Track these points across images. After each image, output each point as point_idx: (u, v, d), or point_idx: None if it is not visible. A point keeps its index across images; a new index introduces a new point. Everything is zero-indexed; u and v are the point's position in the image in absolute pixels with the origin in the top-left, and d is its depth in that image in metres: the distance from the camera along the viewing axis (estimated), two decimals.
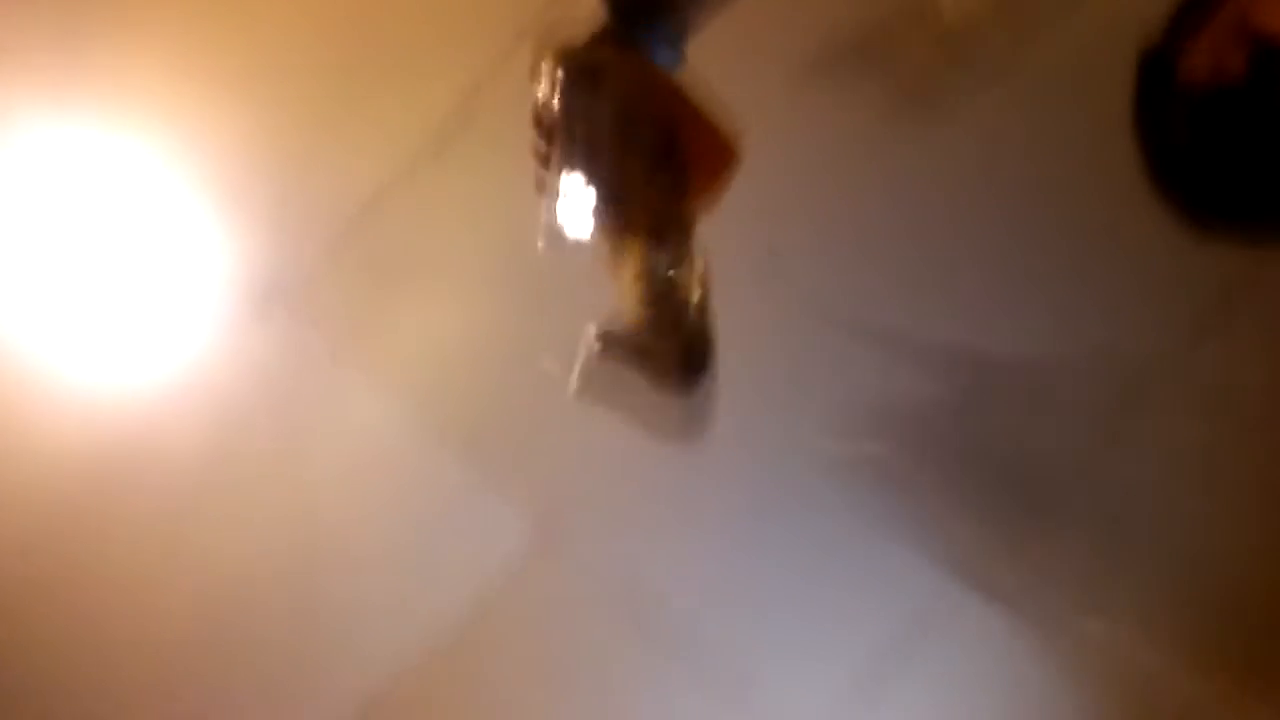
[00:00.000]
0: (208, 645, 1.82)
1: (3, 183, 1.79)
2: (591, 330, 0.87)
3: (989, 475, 1.77)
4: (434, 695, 1.80)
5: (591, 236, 0.78)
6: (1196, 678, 1.77)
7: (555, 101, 0.79)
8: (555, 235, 0.84)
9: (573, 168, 0.78)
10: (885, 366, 1.77)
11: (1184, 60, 0.75)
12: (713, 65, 1.77)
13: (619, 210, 0.77)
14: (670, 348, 0.79)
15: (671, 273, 0.77)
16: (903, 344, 1.77)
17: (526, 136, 1.77)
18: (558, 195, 0.80)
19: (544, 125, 0.78)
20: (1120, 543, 1.77)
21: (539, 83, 0.79)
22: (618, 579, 1.79)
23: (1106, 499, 1.76)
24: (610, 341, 0.93)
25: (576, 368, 0.89)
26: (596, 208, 0.78)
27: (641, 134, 0.77)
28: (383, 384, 1.80)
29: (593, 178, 0.77)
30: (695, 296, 0.77)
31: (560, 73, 0.79)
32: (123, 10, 1.77)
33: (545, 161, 0.79)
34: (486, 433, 1.80)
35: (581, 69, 0.79)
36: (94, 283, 1.81)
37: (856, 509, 1.78)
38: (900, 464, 1.77)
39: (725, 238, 1.76)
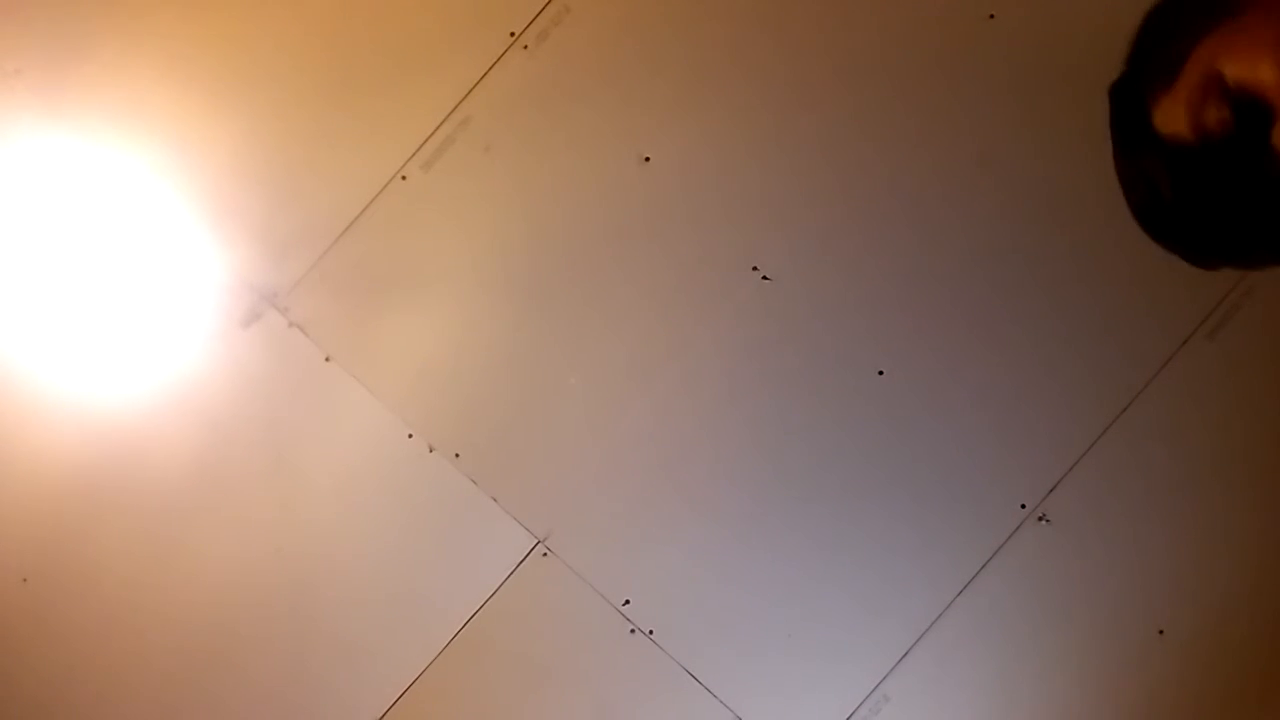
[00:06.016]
0: (205, 656, 1.81)
1: None
2: None
3: (985, 474, 1.77)
4: (432, 699, 1.80)
5: None
6: (1202, 675, 1.78)
7: None
8: None
9: None
10: (884, 366, 1.78)
11: (1159, 114, 0.73)
12: (711, 76, 1.78)
13: None
14: None
15: None
16: (900, 351, 1.78)
17: (516, 146, 1.78)
18: None
19: None
20: (1121, 541, 1.78)
21: None
22: (610, 587, 1.79)
23: (1106, 496, 1.77)
24: None
25: None
26: None
27: None
28: (375, 393, 1.80)
29: None
30: None
31: None
32: (114, 21, 1.77)
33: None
34: (479, 440, 1.80)
35: None
36: (85, 292, 1.80)
37: (846, 519, 1.78)
38: (897, 466, 1.78)
39: (718, 248, 1.78)
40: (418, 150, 1.78)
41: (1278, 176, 0.68)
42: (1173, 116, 0.71)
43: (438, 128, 1.78)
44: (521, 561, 1.79)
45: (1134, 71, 0.77)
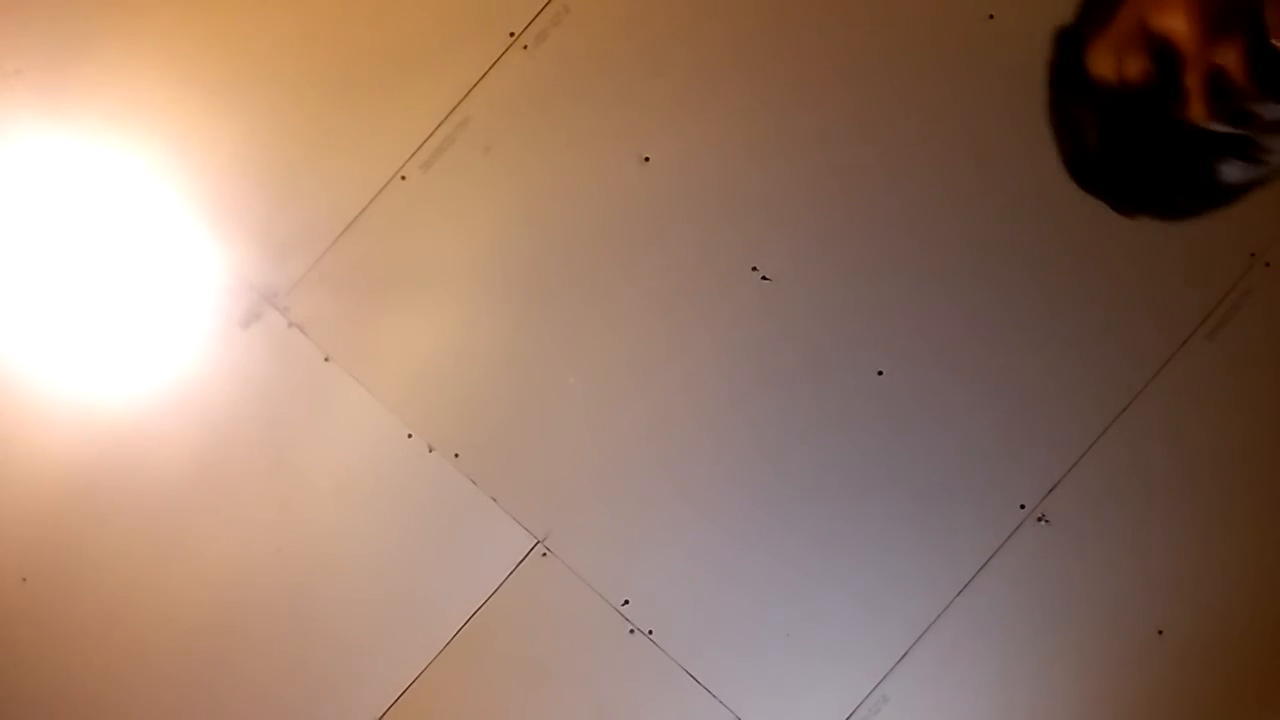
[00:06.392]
0: (205, 655, 1.81)
1: None
2: None
3: (985, 474, 1.77)
4: (432, 699, 1.80)
5: None
6: (1201, 675, 1.78)
7: None
8: None
9: None
10: (884, 367, 1.78)
11: (1092, 57, 0.74)
12: (710, 76, 1.78)
13: None
14: None
15: None
16: (896, 348, 1.78)
17: (516, 147, 1.78)
18: None
19: None
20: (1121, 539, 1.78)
21: None
22: (610, 587, 1.79)
23: (1105, 496, 1.77)
24: None
25: None
26: None
27: None
28: (375, 393, 1.80)
29: None
30: None
31: None
32: (114, 21, 1.77)
33: None
34: (479, 440, 1.80)
35: None
36: (85, 292, 1.80)
37: (846, 519, 1.79)
38: (896, 466, 1.78)
39: (718, 248, 1.78)
40: (417, 150, 1.78)
41: (1190, 125, 0.70)
42: (1103, 60, 0.73)
43: (437, 128, 1.78)
44: (521, 561, 1.79)
45: (1080, 19, 0.78)
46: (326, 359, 1.80)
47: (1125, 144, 0.75)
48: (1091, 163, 0.79)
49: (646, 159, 1.78)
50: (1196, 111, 0.70)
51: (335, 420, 1.80)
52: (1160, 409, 1.76)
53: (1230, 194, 0.76)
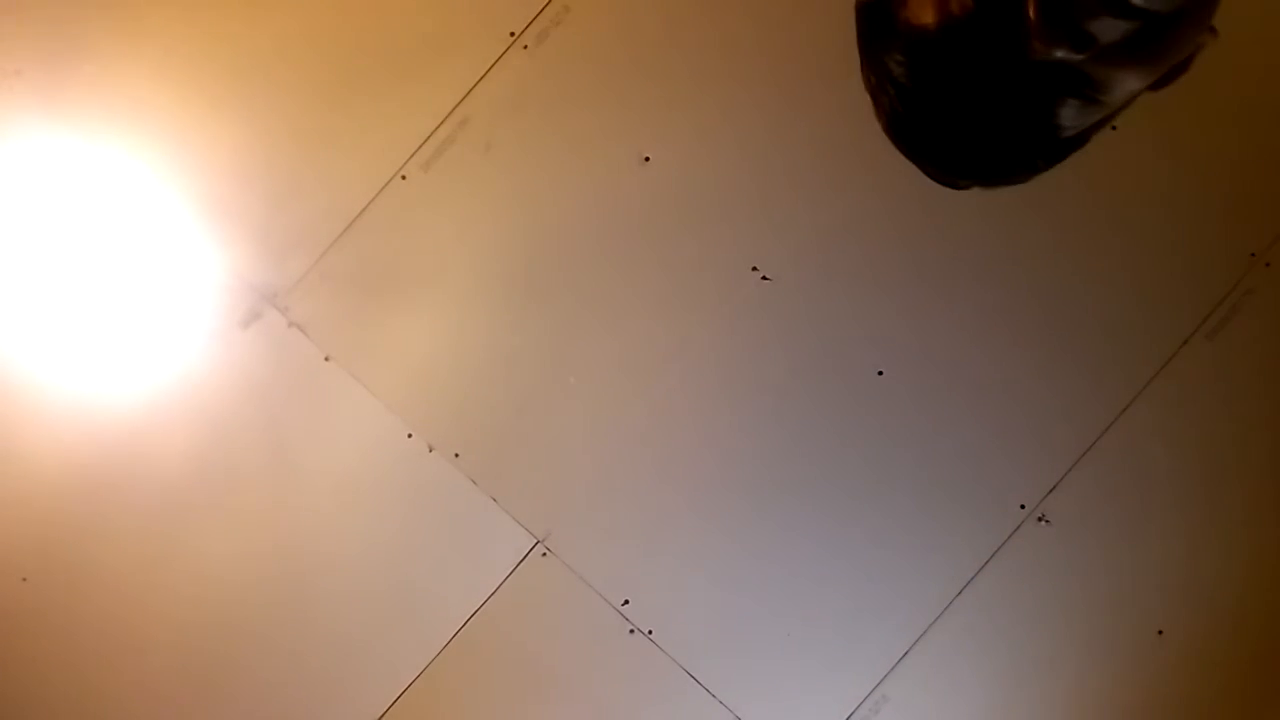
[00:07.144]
0: (205, 654, 1.81)
1: None
2: None
3: (985, 474, 1.77)
4: (431, 699, 1.81)
5: None
6: (1202, 675, 1.78)
7: None
8: None
9: None
10: (884, 367, 1.78)
11: (906, 11, 0.72)
12: (711, 76, 1.78)
13: None
14: None
15: None
16: (895, 348, 1.78)
17: (516, 146, 1.78)
18: None
19: None
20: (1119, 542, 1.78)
21: None
22: (610, 587, 1.79)
23: (1105, 496, 1.77)
24: None
25: None
26: None
27: None
28: (375, 392, 1.80)
29: None
30: None
31: None
32: (114, 23, 1.77)
33: None
34: (479, 440, 1.80)
35: None
36: (86, 292, 1.80)
37: (846, 518, 1.79)
38: (896, 466, 1.78)
39: (718, 248, 1.78)
40: (418, 150, 1.78)
41: (1024, 58, 0.67)
42: (922, 10, 0.71)
43: (438, 127, 1.78)
44: (521, 561, 1.79)
45: None
46: (327, 359, 1.80)
47: (946, 84, 0.72)
48: (912, 112, 0.77)
49: (646, 159, 1.78)
50: (1033, 30, 0.65)
51: (335, 420, 1.80)
52: (1160, 409, 1.76)
53: (1066, 145, 0.73)
